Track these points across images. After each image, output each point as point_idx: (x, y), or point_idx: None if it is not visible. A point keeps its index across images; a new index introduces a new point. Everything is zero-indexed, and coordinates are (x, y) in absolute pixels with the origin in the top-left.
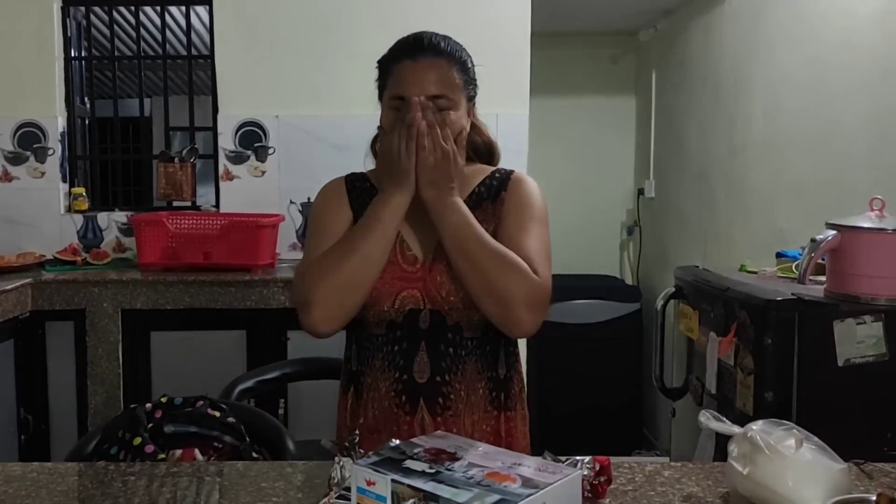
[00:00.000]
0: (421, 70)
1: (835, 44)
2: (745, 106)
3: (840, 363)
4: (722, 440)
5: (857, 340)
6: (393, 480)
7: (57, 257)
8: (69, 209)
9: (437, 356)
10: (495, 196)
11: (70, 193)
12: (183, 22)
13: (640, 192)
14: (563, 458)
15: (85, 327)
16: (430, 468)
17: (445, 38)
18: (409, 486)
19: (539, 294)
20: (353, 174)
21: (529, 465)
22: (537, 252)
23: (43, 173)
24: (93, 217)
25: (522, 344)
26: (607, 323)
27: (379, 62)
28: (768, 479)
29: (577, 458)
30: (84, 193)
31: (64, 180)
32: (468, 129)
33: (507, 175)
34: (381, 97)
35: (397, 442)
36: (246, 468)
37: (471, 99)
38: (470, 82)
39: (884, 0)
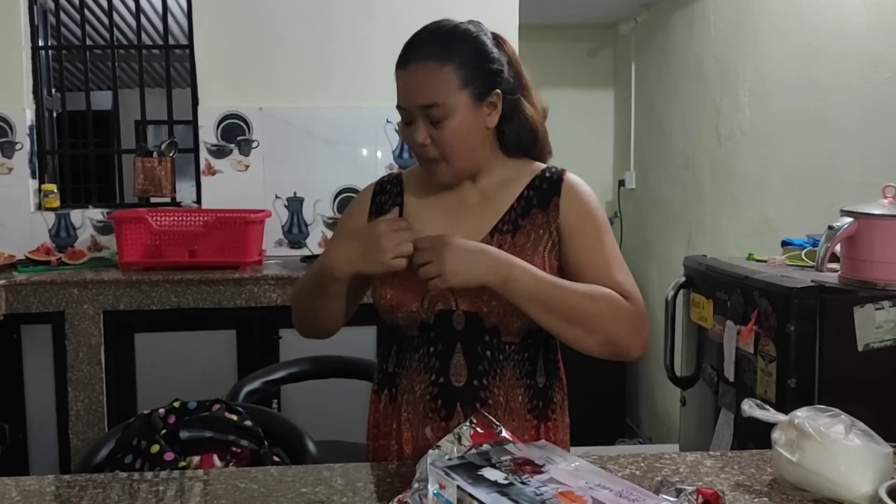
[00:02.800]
0: (409, 78)
1: (824, 34)
2: (732, 96)
3: (860, 348)
4: (740, 427)
5: (875, 325)
6: (458, 488)
7: (29, 257)
8: (39, 207)
9: (475, 359)
10: (546, 203)
11: (40, 190)
12: (159, 9)
13: (621, 183)
14: (683, 488)
15: (64, 330)
16: (506, 479)
17: (446, 30)
18: (470, 495)
19: (640, 319)
20: (387, 177)
21: (613, 489)
22: (620, 271)
23: (11, 169)
24: (65, 215)
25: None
26: None
27: None
28: (818, 465)
29: (683, 487)
30: (55, 190)
31: (33, 176)
32: (491, 124)
33: (557, 177)
34: None
35: (502, 443)
36: (281, 473)
37: (484, 95)
38: (479, 75)
39: None
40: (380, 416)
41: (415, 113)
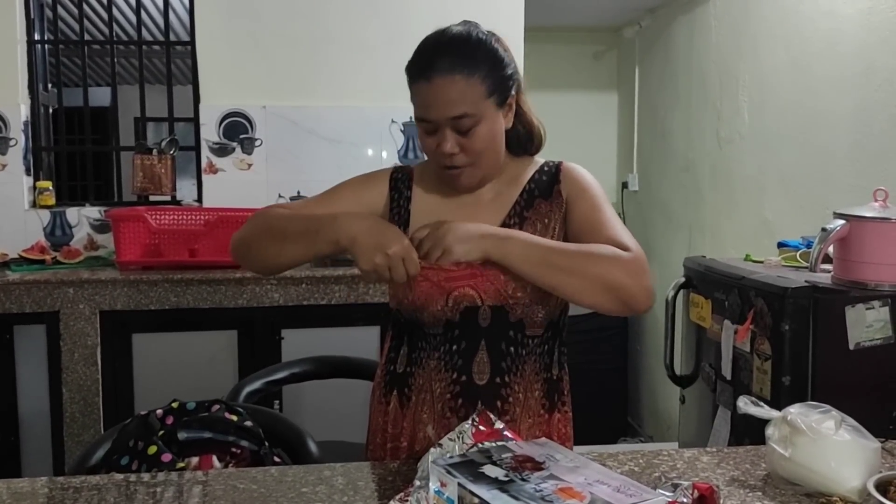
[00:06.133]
0: (436, 91)
1: (819, 41)
2: (732, 101)
3: (851, 346)
4: (737, 424)
5: (866, 325)
6: (459, 485)
7: (23, 256)
8: (34, 204)
9: (498, 356)
10: (549, 191)
11: (35, 188)
12: (160, 4)
13: (624, 185)
14: (679, 483)
15: (59, 331)
16: (506, 476)
17: (463, 40)
18: (470, 492)
19: (637, 265)
20: (399, 171)
21: (611, 484)
22: (616, 227)
23: (4, 166)
24: (61, 213)
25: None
26: (592, 315)
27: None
28: (810, 461)
29: (680, 482)
30: (50, 187)
31: (28, 173)
32: (508, 125)
33: (556, 167)
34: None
35: (503, 441)
36: (281, 473)
37: (505, 100)
38: (500, 82)
39: (867, 0)
40: (389, 419)
41: (442, 124)
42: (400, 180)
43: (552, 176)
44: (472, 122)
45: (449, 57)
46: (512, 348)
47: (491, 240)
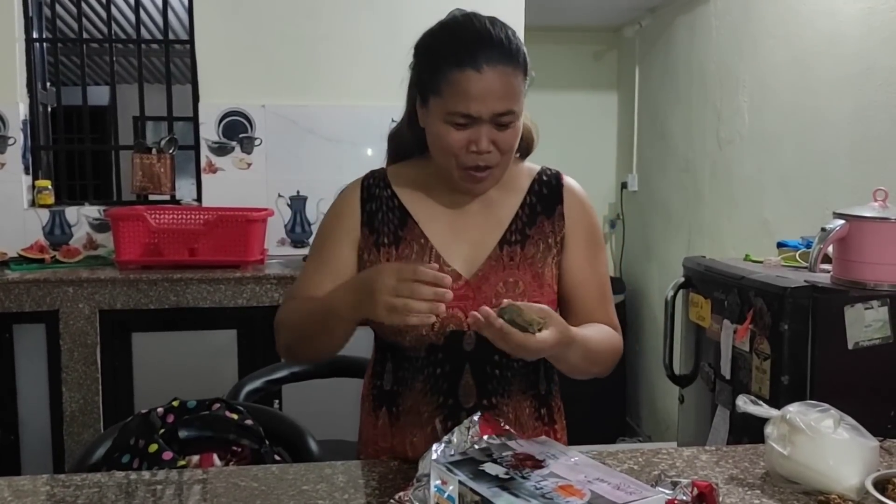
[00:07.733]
0: (487, 83)
1: (820, 41)
2: (732, 101)
3: (850, 346)
4: (735, 423)
5: (865, 324)
6: (460, 482)
7: (22, 255)
8: (33, 203)
9: (484, 379)
10: (551, 210)
11: (34, 186)
12: (159, 3)
13: (623, 185)
14: (679, 481)
15: (58, 330)
16: (506, 474)
17: (503, 27)
18: (471, 490)
19: (620, 350)
20: (371, 175)
21: (611, 482)
22: (610, 300)
23: (3, 164)
24: (60, 212)
25: None
26: None
27: (424, 52)
28: (809, 459)
29: (679, 480)
30: (49, 186)
31: (27, 172)
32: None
33: (556, 180)
34: (422, 93)
35: (500, 439)
36: (282, 471)
37: (525, 95)
38: (527, 78)
39: (868, 0)
40: (379, 434)
41: (484, 119)
42: (373, 186)
43: (553, 190)
44: (511, 119)
45: (493, 45)
46: (497, 371)
47: (558, 348)
